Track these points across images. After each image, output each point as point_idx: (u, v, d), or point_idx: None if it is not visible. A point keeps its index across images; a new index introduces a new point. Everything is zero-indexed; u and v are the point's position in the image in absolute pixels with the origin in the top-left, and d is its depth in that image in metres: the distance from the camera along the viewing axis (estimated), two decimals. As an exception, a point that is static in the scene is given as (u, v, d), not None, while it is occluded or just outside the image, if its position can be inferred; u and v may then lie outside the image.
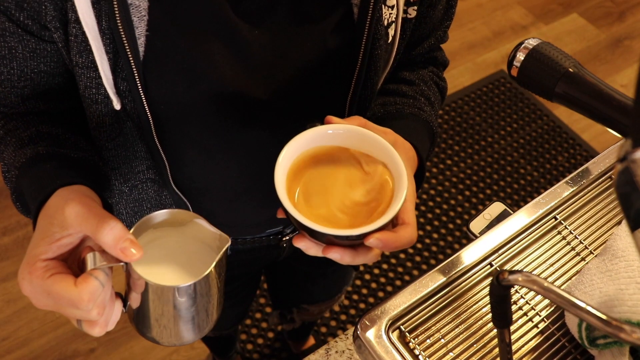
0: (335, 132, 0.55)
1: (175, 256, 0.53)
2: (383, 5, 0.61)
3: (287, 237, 0.88)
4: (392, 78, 0.75)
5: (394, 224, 0.54)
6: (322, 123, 0.56)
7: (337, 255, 0.51)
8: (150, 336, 0.54)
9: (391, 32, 0.65)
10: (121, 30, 0.54)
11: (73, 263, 0.51)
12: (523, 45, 0.52)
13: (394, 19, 0.64)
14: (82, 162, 0.62)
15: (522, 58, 0.51)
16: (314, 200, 0.54)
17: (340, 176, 0.55)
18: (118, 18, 0.54)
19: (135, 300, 0.51)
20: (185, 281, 0.49)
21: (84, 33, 0.55)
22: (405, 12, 0.65)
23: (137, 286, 0.50)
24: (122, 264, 0.49)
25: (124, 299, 0.53)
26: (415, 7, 0.65)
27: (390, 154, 0.53)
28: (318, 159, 0.56)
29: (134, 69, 0.57)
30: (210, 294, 0.52)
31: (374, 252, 0.53)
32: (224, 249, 0.50)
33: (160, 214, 0.52)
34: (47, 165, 0.58)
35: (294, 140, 0.54)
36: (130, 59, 0.56)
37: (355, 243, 0.52)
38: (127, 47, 0.55)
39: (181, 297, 0.50)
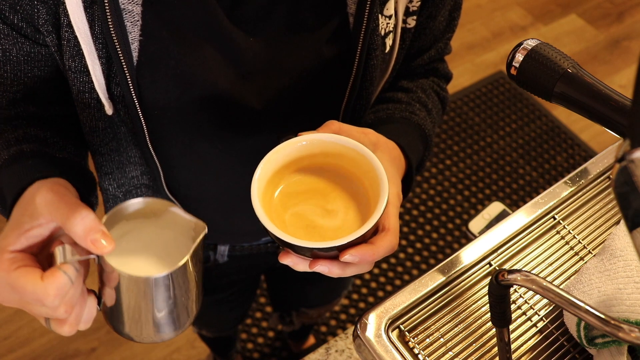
0: (309, 143, 0.53)
1: (150, 247, 0.51)
2: (380, 15, 0.60)
3: None
4: (390, 87, 0.73)
5: (378, 230, 0.52)
6: (296, 135, 0.54)
7: (325, 268, 0.49)
8: (127, 333, 0.52)
9: (389, 41, 0.63)
10: (114, 35, 0.53)
11: (44, 259, 0.48)
12: (522, 46, 0.52)
13: (391, 29, 0.63)
14: (66, 162, 0.61)
15: (521, 59, 0.52)
16: (295, 216, 0.52)
17: (320, 187, 0.54)
18: (110, 23, 0.53)
19: (109, 297, 0.49)
20: (160, 272, 0.46)
21: (76, 37, 0.54)
22: (404, 21, 0.64)
23: (111, 280, 0.47)
24: (93, 256, 0.46)
25: (98, 297, 0.50)
26: (415, 17, 0.64)
27: (369, 158, 0.52)
28: (294, 172, 0.55)
29: (127, 74, 0.56)
30: (187, 285, 0.50)
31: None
32: (200, 237, 0.48)
33: (134, 204, 0.49)
34: (28, 161, 0.56)
35: (268, 156, 0.52)
36: (123, 64, 0.55)
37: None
38: (120, 52, 0.54)
39: (157, 288, 0.47)
